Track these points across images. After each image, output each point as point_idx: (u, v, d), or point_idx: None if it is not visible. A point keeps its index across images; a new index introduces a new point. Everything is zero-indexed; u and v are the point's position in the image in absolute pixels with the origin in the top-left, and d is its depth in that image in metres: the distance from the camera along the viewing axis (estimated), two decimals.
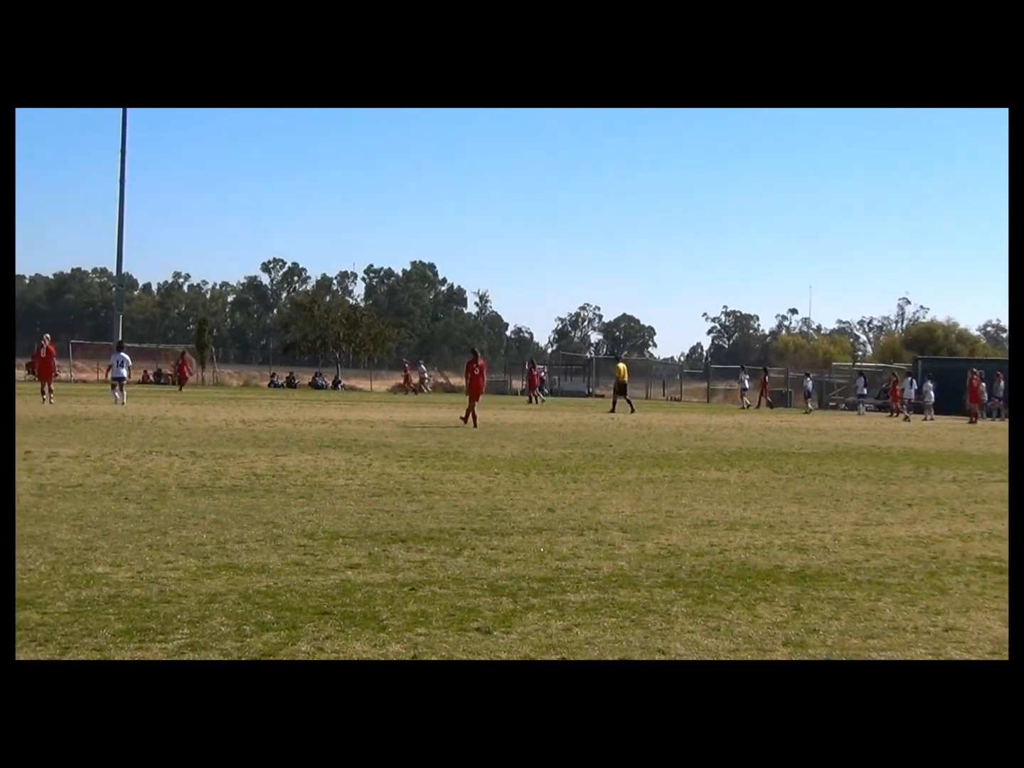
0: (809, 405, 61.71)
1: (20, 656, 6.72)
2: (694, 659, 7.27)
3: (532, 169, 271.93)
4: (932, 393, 54.87)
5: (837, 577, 10.27)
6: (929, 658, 7.52)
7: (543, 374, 78.51)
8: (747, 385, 66.50)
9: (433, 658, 7.05)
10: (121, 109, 72.26)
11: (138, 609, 8.03)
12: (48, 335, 44.01)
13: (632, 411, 47.56)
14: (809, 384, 64.36)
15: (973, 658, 7.58)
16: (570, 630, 7.86)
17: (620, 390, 50.55)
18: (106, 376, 49.95)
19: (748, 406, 63.21)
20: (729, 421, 43.26)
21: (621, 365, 52.38)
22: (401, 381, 78.77)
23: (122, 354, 42.78)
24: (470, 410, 32.12)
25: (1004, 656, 7.54)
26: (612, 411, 47.57)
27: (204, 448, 21.37)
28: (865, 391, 61.06)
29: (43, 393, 38.84)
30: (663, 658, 7.25)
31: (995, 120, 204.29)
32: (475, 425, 31.29)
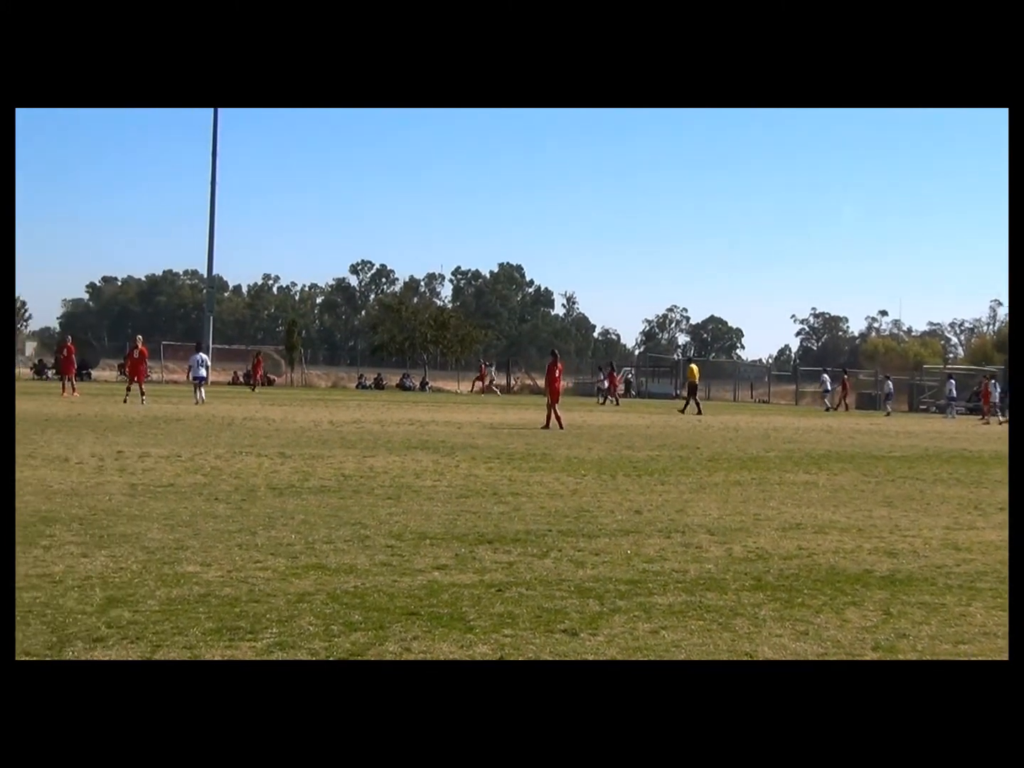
0: (888, 408, 60.91)
1: (113, 654, 6.82)
2: (699, 659, 7.23)
3: (619, 170, 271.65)
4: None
5: (927, 582, 10.16)
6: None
7: (630, 376, 78.32)
8: (829, 387, 66.07)
9: (518, 659, 7.06)
10: (212, 109, 73.33)
11: (228, 608, 8.10)
12: (140, 336, 44.41)
13: (683, 412, 47.40)
14: (889, 387, 63.68)
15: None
16: (657, 633, 7.84)
17: (691, 391, 50.54)
18: (187, 377, 50.53)
19: (830, 408, 62.58)
20: (817, 424, 42.93)
21: (693, 366, 52.70)
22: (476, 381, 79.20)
23: (201, 355, 43.18)
24: (551, 413, 32.06)
25: None
26: (699, 412, 47.42)
27: (293, 449, 21.55)
28: (955, 394, 60.00)
29: (128, 391, 39.11)
30: (748, 659, 7.22)
31: None
32: (560, 426, 31.27)
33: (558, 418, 31.69)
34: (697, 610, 8.61)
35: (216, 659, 6.84)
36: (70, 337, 52.07)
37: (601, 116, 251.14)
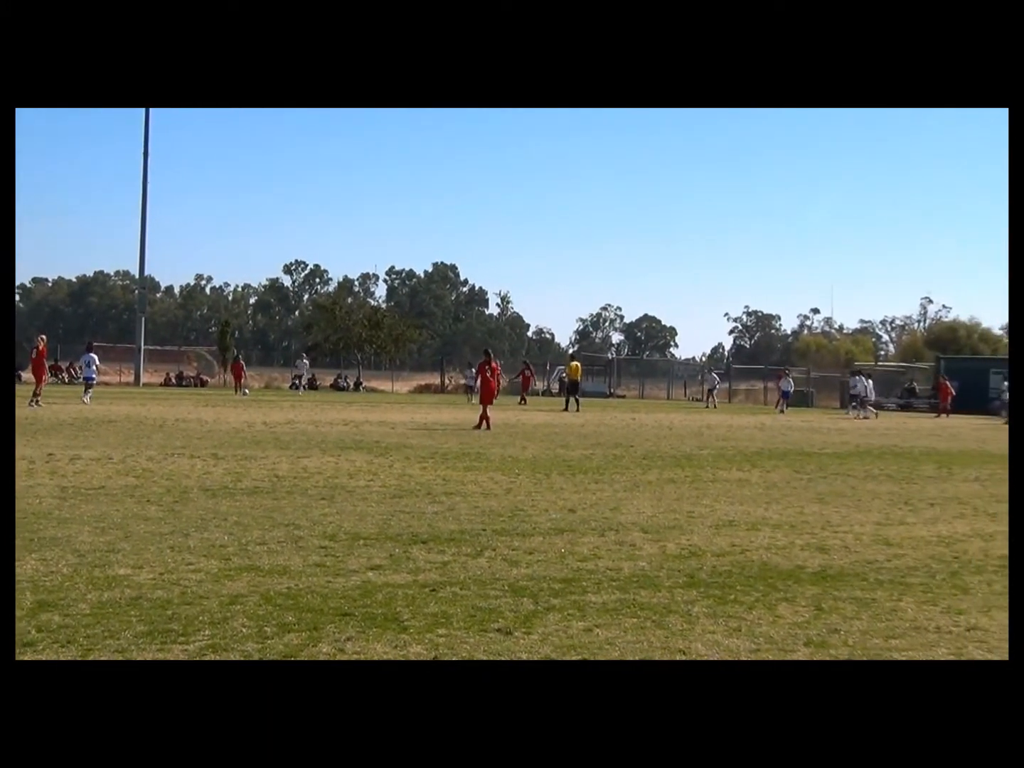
0: (715, 401, 61.79)
1: (42, 658, 6.76)
2: (705, 659, 7.27)
3: (553, 170, 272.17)
4: (872, 392, 54.93)
5: (858, 577, 10.25)
6: (950, 658, 7.51)
7: (563, 376, 77.75)
8: (717, 385, 66.40)
9: (453, 659, 7.06)
10: (144, 110, 72.80)
11: (160, 611, 8.05)
12: (43, 336, 42.40)
13: (576, 410, 47.20)
14: (715, 379, 64.72)
15: (990, 658, 7.56)
16: (591, 631, 7.87)
17: (572, 388, 50.41)
18: (77, 377, 49.20)
19: (713, 407, 62.36)
20: (751, 421, 43.19)
21: (574, 363, 52.45)
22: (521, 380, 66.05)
23: (91, 355, 42.16)
24: (484, 413, 31.72)
25: None
26: (566, 409, 47.46)
27: (226, 450, 21.44)
28: (859, 391, 58.32)
29: (35, 395, 36.74)
30: (683, 658, 7.26)
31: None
32: (487, 427, 30.89)
33: (486, 419, 31.33)
34: (631, 608, 8.65)
35: (224, 660, 6.83)
36: None
37: (532, 115, 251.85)
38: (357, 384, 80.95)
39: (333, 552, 10.61)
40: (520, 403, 55.86)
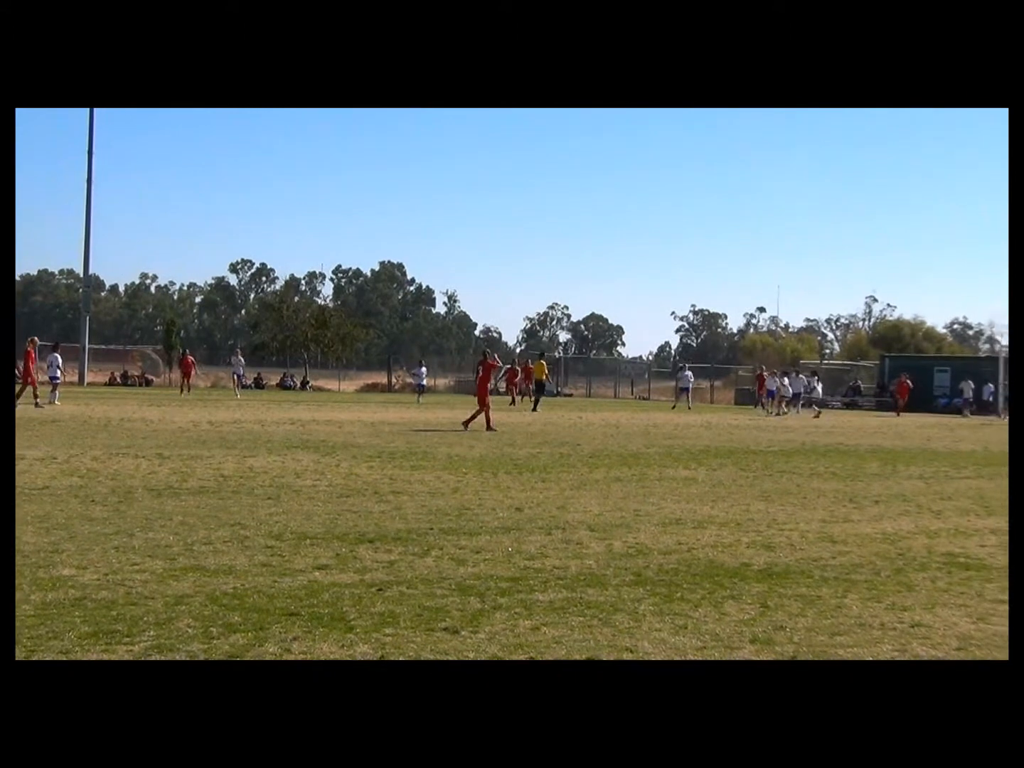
0: (684, 402, 60.63)
1: None
2: (666, 658, 7.28)
3: (500, 168, 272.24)
4: (788, 390, 55.02)
5: (804, 574, 10.31)
6: (897, 656, 7.56)
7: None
8: (691, 383, 64.67)
9: (401, 658, 7.05)
10: (88, 109, 72.27)
11: (104, 611, 8.00)
12: (35, 338, 42.11)
13: (535, 409, 46.96)
14: (689, 378, 64.19)
15: (942, 656, 7.61)
16: (538, 629, 7.87)
17: (539, 388, 50.19)
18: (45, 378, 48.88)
19: (689, 407, 61.36)
20: (697, 420, 43.34)
21: (540, 362, 52.10)
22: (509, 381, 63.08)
23: (55, 355, 42.14)
24: (479, 413, 30.54)
25: (969, 653, 7.62)
26: (535, 409, 47.21)
27: (171, 450, 21.30)
28: (790, 392, 56.41)
29: (35, 397, 36.90)
30: (631, 657, 7.27)
31: (960, 119, 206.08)
32: (488, 427, 30.01)
33: (485, 419, 30.29)
34: (578, 606, 8.66)
35: (229, 659, 6.86)
36: None
37: (478, 115, 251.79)
38: (304, 383, 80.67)
39: (279, 552, 10.58)
40: (511, 404, 55.22)
